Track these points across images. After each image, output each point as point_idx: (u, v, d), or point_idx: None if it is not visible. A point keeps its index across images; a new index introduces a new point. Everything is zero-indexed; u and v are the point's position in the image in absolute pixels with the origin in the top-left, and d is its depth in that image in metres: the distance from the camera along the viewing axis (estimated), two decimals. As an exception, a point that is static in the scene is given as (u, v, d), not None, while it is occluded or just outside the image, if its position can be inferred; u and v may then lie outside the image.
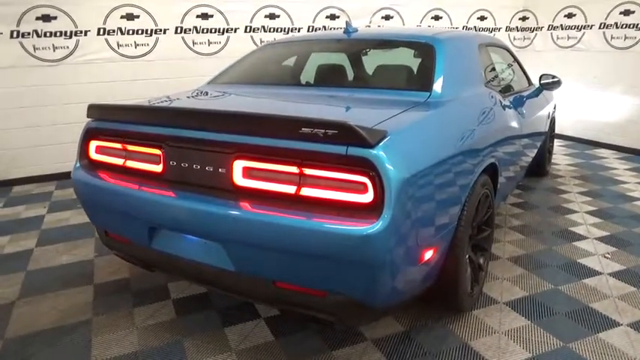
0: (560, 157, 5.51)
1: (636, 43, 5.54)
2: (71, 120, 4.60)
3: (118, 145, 2.10)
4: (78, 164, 2.23)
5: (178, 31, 5.08)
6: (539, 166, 4.41)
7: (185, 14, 5.07)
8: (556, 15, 6.50)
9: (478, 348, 2.07)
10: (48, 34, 4.55)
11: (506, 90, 3.17)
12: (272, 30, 5.51)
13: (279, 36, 5.53)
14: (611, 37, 5.81)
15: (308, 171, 1.62)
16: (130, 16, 4.84)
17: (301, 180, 1.64)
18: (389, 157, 1.53)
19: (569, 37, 6.36)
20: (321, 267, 1.62)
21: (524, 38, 7.06)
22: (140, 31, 4.92)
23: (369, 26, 5.91)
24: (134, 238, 2.09)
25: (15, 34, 4.43)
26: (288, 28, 5.59)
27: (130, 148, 2.06)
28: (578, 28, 6.21)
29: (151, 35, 4.97)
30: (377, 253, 1.54)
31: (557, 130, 5.31)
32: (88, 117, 2.19)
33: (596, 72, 5.99)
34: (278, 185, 1.68)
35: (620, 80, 5.74)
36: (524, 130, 3.12)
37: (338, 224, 1.53)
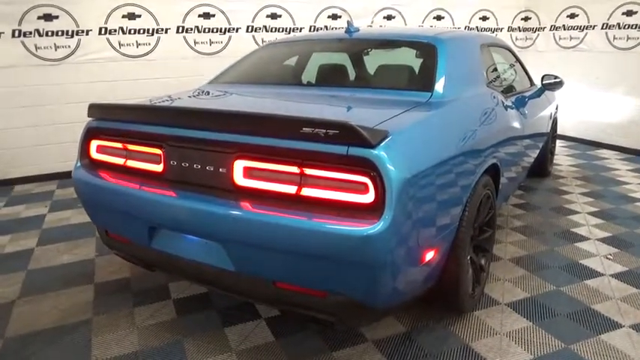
0: (562, 157, 5.50)
1: (639, 43, 5.53)
2: (72, 119, 4.60)
3: (119, 145, 2.10)
4: (79, 164, 2.22)
5: (180, 30, 5.08)
6: (541, 167, 4.40)
7: (187, 14, 5.07)
8: (558, 15, 6.48)
9: (479, 349, 2.07)
10: (49, 34, 4.55)
11: (508, 90, 3.16)
12: (274, 30, 5.51)
13: (281, 36, 5.53)
14: (614, 38, 5.79)
15: (309, 171, 1.61)
16: (131, 16, 4.84)
17: (302, 180, 1.63)
18: (390, 158, 1.52)
19: (571, 38, 6.35)
20: (321, 267, 1.61)
21: (527, 38, 7.04)
22: (142, 31, 4.92)
23: (370, 26, 5.91)
24: (134, 238, 2.09)
25: (17, 34, 4.43)
26: (290, 28, 5.59)
27: (131, 147, 2.05)
28: (581, 28, 6.20)
29: (152, 35, 4.97)
30: (378, 253, 1.53)
31: (559, 131, 5.30)
32: (88, 116, 2.19)
33: (598, 73, 5.97)
34: (279, 185, 1.67)
35: (622, 81, 5.72)
36: (526, 131, 3.11)
37: (339, 224, 1.53)
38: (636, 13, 5.52)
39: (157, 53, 5.02)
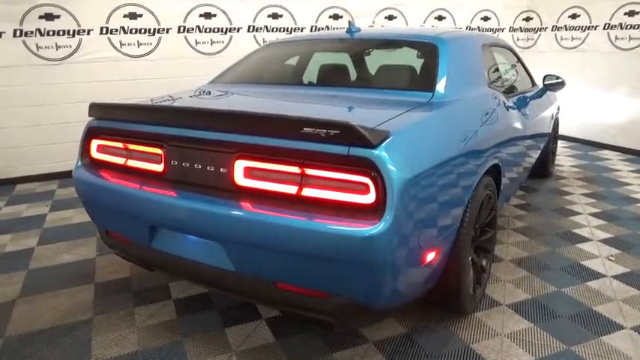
0: (564, 158, 5.49)
1: (641, 44, 5.52)
2: (73, 119, 4.59)
3: (120, 145, 2.09)
4: (79, 163, 2.22)
5: (181, 30, 5.08)
6: (543, 168, 4.39)
7: (188, 13, 5.07)
8: (560, 15, 6.47)
9: (480, 351, 2.06)
10: (51, 33, 4.55)
11: (510, 91, 3.15)
12: (275, 30, 5.51)
13: (282, 36, 5.52)
14: (616, 38, 5.77)
15: (309, 171, 1.61)
16: (132, 15, 4.84)
17: (303, 180, 1.63)
18: (391, 158, 1.52)
19: (573, 38, 6.33)
20: (322, 268, 1.61)
21: (528, 39, 7.03)
22: (143, 30, 4.92)
23: (371, 26, 5.90)
24: (134, 238, 2.09)
25: (18, 33, 4.43)
26: (291, 28, 5.58)
27: (132, 147, 2.05)
28: (583, 28, 6.18)
29: (153, 34, 4.97)
30: (379, 254, 1.52)
31: (560, 131, 5.29)
32: (89, 116, 2.19)
33: (600, 73, 5.96)
34: (279, 185, 1.67)
35: (624, 81, 5.70)
36: (528, 131, 3.10)
37: (339, 225, 1.52)
38: (638, 13, 5.50)
39: (158, 53, 5.02)
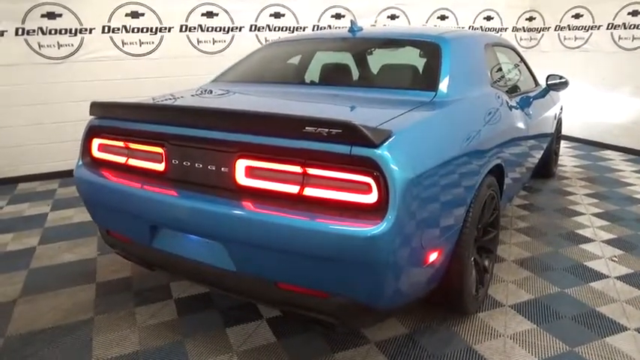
0: (567, 158, 5.47)
1: (644, 43, 5.50)
2: (75, 118, 4.59)
3: (121, 144, 2.09)
4: (80, 162, 2.22)
5: (183, 29, 5.08)
6: (546, 168, 4.37)
7: (190, 12, 5.07)
8: (563, 15, 6.45)
9: (483, 351, 2.05)
10: (53, 32, 4.55)
11: (513, 90, 3.14)
12: (277, 29, 5.50)
13: (284, 35, 5.52)
14: (619, 38, 5.75)
15: (311, 171, 1.60)
16: (134, 14, 4.84)
17: (304, 180, 1.62)
18: (393, 157, 1.50)
19: (576, 38, 6.31)
20: (323, 268, 1.60)
21: (531, 38, 7.01)
22: (145, 29, 4.92)
23: (374, 25, 5.89)
24: (135, 237, 2.08)
25: (20, 32, 4.43)
26: (293, 27, 5.58)
27: (133, 146, 2.04)
28: (586, 28, 6.16)
29: (155, 33, 4.96)
30: (381, 254, 1.51)
31: (563, 132, 5.27)
32: (90, 114, 2.18)
33: (603, 73, 5.94)
34: (281, 185, 1.66)
35: (627, 81, 5.68)
36: (531, 131, 3.09)
37: (341, 225, 1.51)
38: (642, 13, 5.49)
39: (160, 52, 5.02)
